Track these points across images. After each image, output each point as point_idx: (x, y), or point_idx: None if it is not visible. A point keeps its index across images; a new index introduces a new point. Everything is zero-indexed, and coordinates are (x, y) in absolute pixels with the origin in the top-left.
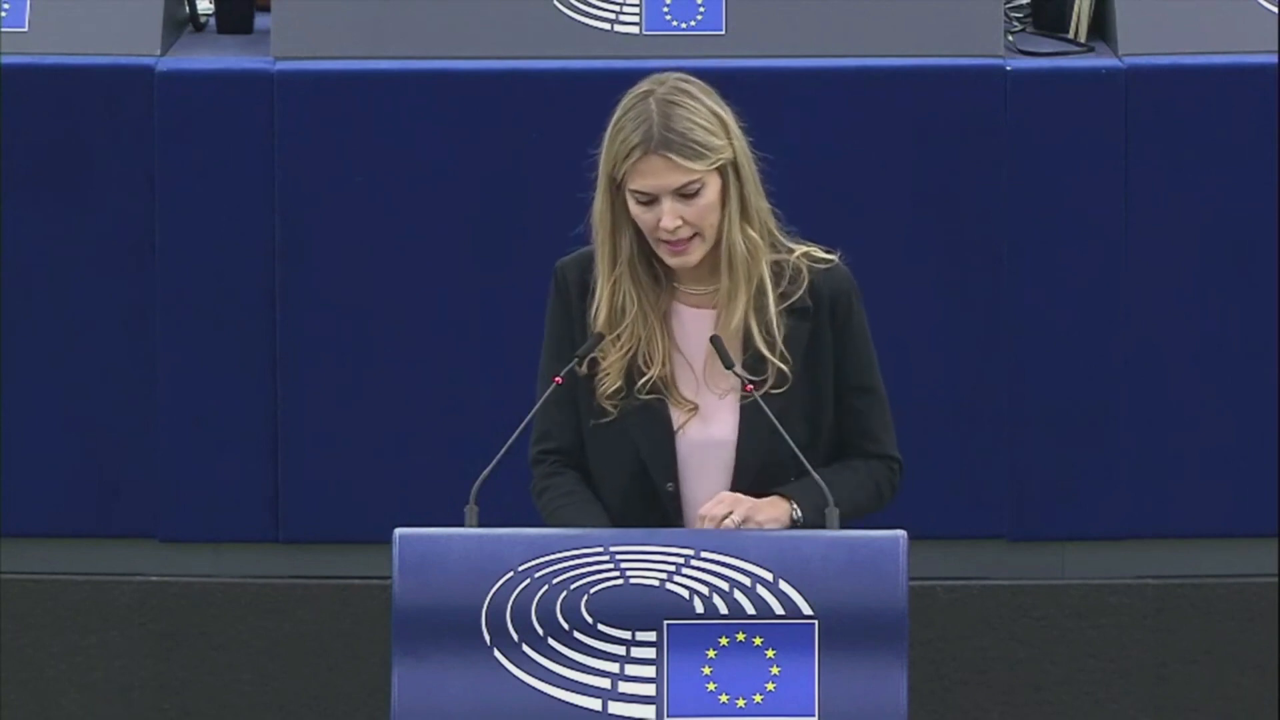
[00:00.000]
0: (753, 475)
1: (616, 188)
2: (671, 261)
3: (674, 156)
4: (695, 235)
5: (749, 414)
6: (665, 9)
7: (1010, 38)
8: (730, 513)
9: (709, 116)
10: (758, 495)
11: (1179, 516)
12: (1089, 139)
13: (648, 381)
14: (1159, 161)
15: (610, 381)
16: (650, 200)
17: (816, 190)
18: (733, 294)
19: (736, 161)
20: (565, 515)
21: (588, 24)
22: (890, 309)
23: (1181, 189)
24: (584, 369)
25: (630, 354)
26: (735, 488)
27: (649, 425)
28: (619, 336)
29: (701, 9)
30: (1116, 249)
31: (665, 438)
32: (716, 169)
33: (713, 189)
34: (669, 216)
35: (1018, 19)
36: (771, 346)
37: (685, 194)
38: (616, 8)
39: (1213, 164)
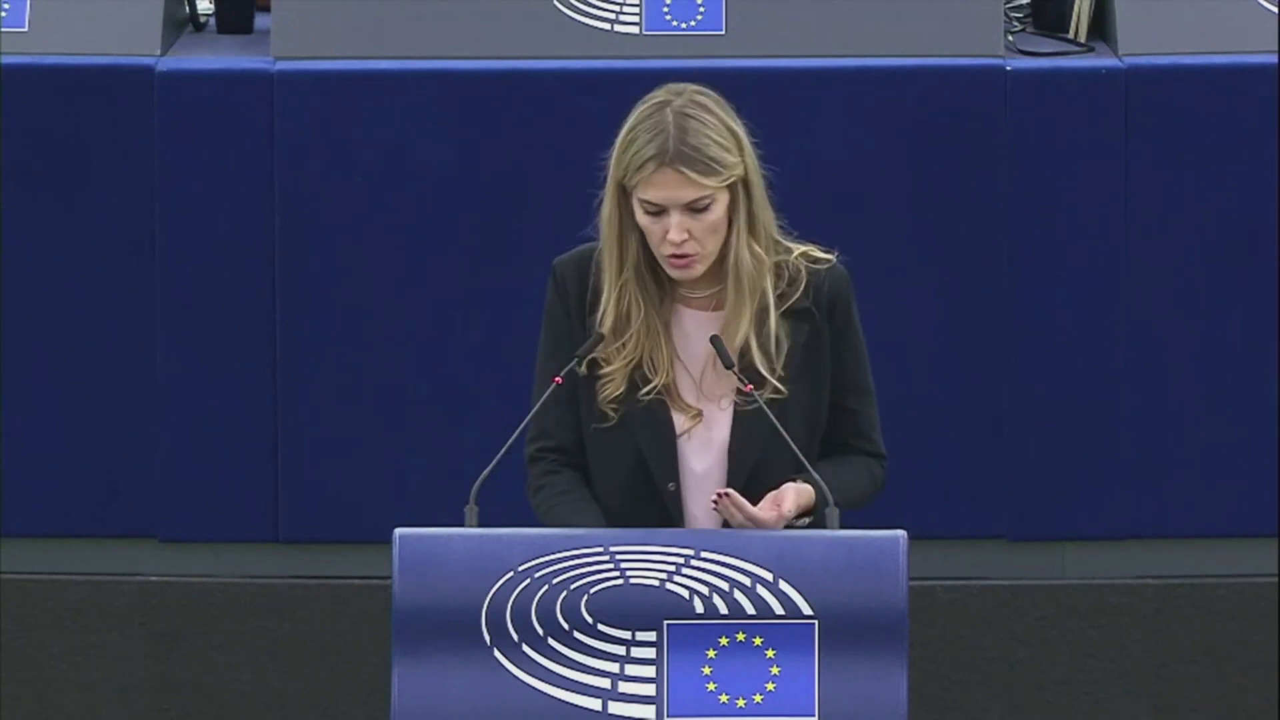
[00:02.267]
0: (746, 475)
1: (624, 193)
2: (674, 274)
3: (688, 171)
4: (698, 254)
5: (741, 416)
6: (665, 9)
7: (1010, 38)
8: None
9: (724, 133)
10: (752, 495)
11: (1179, 516)
12: (1089, 139)
13: (652, 389)
14: (1159, 161)
15: (613, 388)
16: (659, 211)
17: (816, 190)
18: (738, 307)
19: (747, 179)
20: (560, 514)
21: (588, 24)
22: (890, 309)
23: (1181, 189)
24: (583, 369)
25: (633, 364)
26: (730, 486)
27: (652, 427)
28: (624, 345)
29: (701, 9)
30: (1116, 249)
31: (668, 439)
32: (727, 186)
33: (721, 206)
34: (676, 230)
35: (1018, 19)
36: (769, 364)
37: (694, 209)
38: (616, 8)
39: (1213, 164)
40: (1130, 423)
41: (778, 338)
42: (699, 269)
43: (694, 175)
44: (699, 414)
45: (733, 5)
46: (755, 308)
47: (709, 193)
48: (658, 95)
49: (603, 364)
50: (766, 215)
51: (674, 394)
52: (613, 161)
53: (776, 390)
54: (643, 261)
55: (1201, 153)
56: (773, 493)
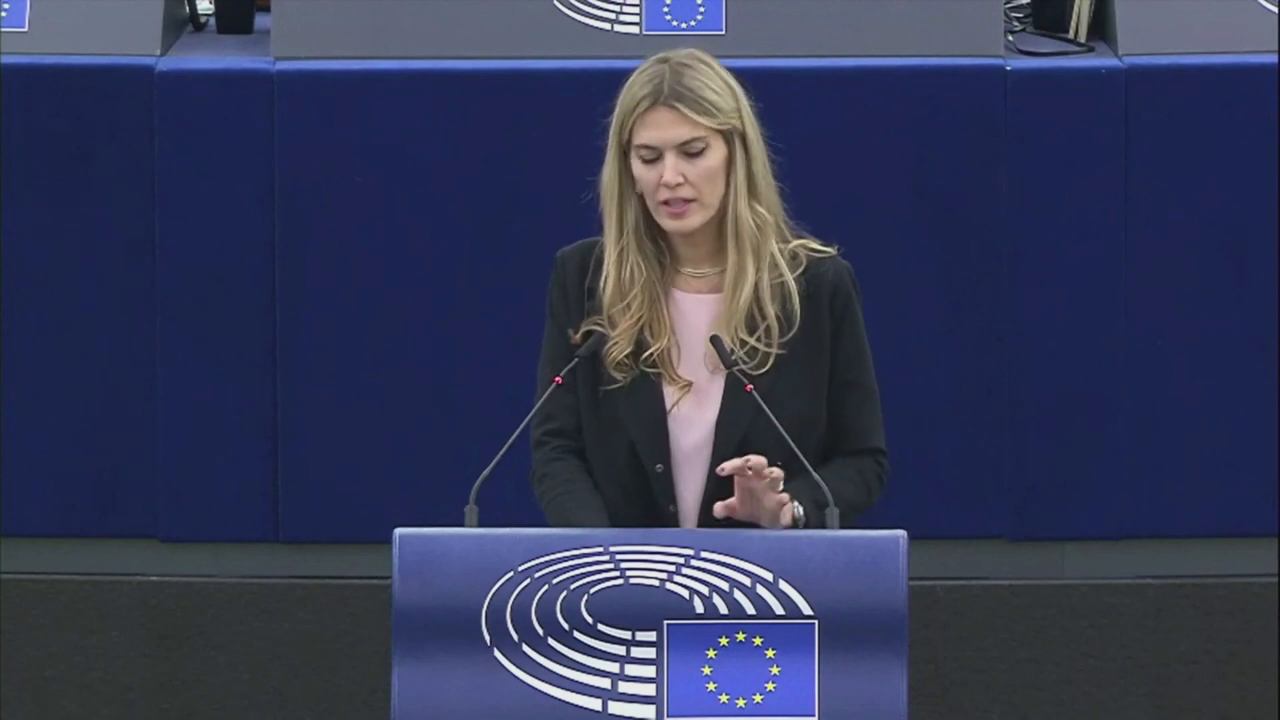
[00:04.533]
0: (732, 453)
1: (624, 155)
2: (669, 225)
3: (682, 107)
4: (695, 200)
5: (732, 393)
6: (665, 9)
7: (1010, 38)
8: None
9: (720, 83)
10: (732, 479)
11: (1179, 516)
12: (1089, 139)
13: (651, 354)
14: (1159, 161)
15: (620, 349)
16: (654, 157)
17: (816, 190)
18: (741, 268)
19: (746, 135)
20: (561, 505)
21: (588, 24)
22: (890, 309)
23: (1181, 189)
24: (577, 336)
25: (640, 324)
26: (713, 467)
27: (641, 408)
28: (629, 306)
29: (701, 9)
30: (1116, 249)
31: (658, 420)
32: (723, 135)
33: (717, 154)
34: (670, 171)
35: (1018, 19)
36: (788, 321)
37: (689, 152)
38: (616, 8)
39: (1213, 164)
40: (1130, 423)
41: (785, 308)
42: (694, 220)
43: (687, 111)
44: (689, 384)
45: (733, 5)
46: (764, 270)
47: (703, 134)
48: (658, 54)
49: (611, 326)
50: (769, 184)
51: (668, 368)
52: (613, 120)
53: (764, 357)
54: (643, 228)
55: (1201, 153)
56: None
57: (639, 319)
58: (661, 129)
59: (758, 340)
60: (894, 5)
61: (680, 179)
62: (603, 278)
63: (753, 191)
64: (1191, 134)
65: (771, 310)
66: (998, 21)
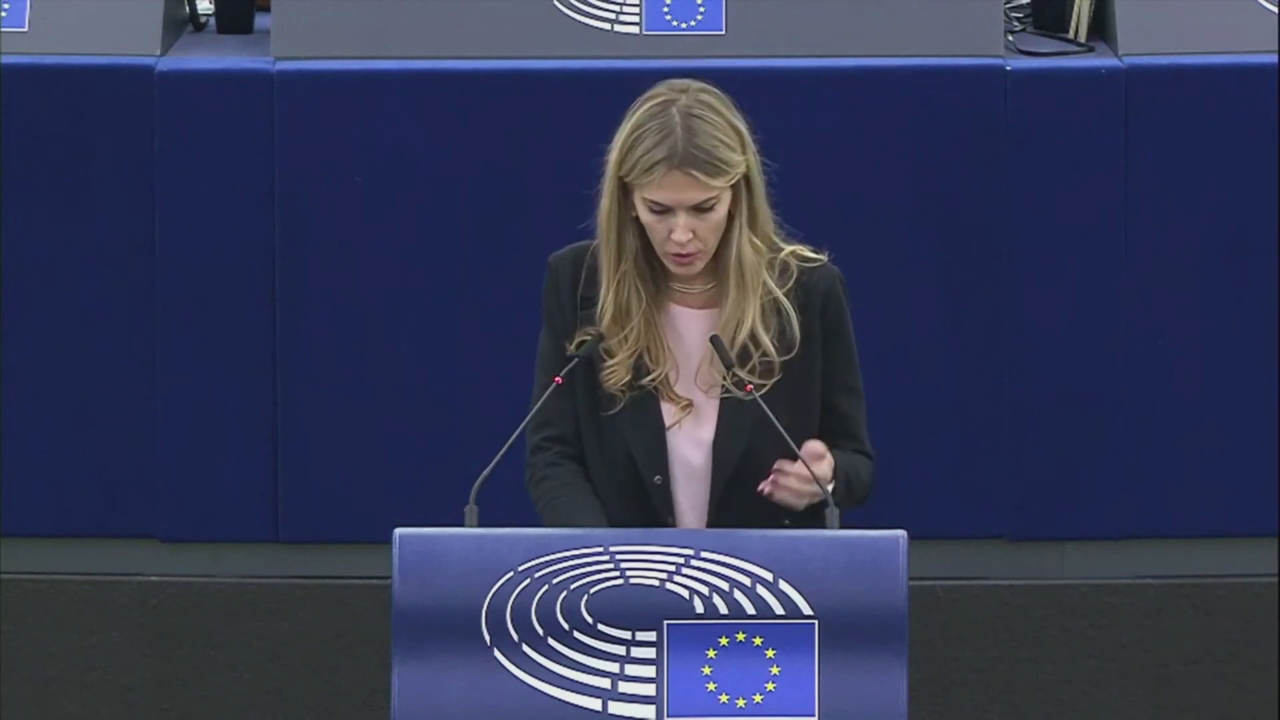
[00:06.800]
0: (730, 471)
1: (624, 187)
2: (675, 269)
3: (697, 174)
4: (701, 251)
5: (727, 412)
6: (665, 9)
7: (1010, 38)
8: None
9: (729, 132)
10: (740, 489)
11: (1179, 516)
12: (1089, 139)
13: (654, 379)
14: (1159, 161)
15: (618, 377)
16: (664, 211)
17: (816, 190)
18: (740, 302)
19: (749, 175)
20: (560, 506)
21: (588, 24)
22: (890, 309)
23: (1181, 189)
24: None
25: (636, 354)
26: (715, 483)
27: (641, 421)
28: (626, 336)
29: (701, 9)
30: (1116, 249)
31: (657, 434)
32: (731, 184)
33: (725, 204)
34: (681, 230)
35: (1018, 19)
36: (786, 348)
37: (700, 209)
38: (616, 8)
39: (1213, 164)
40: (1130, 423)
41: (785, 327)
42: (700, 265)
43: (703, 177)
44: (689, 404)
45: (733, 5)
46: (760, 300)
47: (714, 194)
48: (661, 92)
49: (605, 355)
50: (765, 210)
51: (666, 388)
52: (614, 158)
53: (767, 370)
54: (640, 253)
55: (1201, 153)
56: (808, 444)
57: (634, 351)
58: (677, 191)
59: (749, 372)
60: (894, 5)
61: (690, 236)
62: (600, 304)
63: (753, 225)
64: (1191, 134)
65: (765, 339)
66: (998, 21)
